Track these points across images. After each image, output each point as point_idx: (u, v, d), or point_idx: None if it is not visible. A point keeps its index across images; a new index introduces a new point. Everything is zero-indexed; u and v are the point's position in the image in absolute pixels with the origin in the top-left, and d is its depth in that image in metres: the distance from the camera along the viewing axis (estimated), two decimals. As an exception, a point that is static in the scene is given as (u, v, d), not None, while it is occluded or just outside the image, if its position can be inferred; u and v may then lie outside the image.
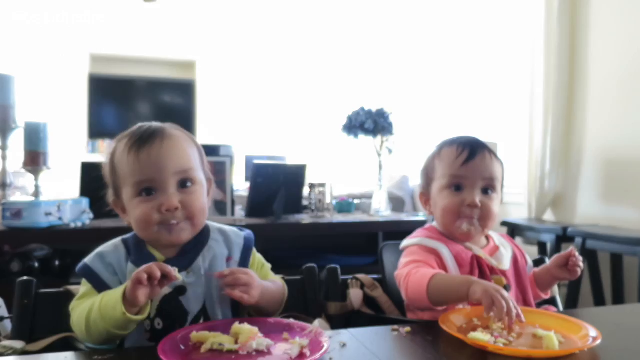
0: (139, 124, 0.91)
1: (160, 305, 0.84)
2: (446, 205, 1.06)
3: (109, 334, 0.79)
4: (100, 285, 0.84)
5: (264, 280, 0.92)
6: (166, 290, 0.85)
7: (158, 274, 0.75)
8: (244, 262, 0.93)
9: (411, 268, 0.99)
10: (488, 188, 1.06)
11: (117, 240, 0.91)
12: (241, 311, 0.92)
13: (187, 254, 0.88)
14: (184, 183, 0.87)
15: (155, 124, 0.90)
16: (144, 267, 0.76)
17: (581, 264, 1.05)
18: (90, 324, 0.79)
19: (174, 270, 0.77)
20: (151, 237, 0.87)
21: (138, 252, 0.88)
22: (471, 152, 1.06)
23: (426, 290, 0.93)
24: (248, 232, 0.97)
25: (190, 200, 0.86)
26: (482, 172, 1.05)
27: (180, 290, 0.86)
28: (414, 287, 0.96)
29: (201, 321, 0.86)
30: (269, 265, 1.00)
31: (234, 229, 0.97)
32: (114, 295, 0.78)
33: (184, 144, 0.89)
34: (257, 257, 0.98)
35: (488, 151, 1.08)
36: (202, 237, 0.91)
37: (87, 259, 0.87)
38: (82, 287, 0.87)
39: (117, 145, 0.90)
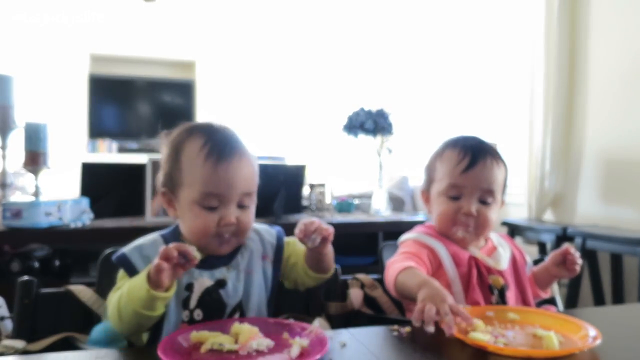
0: (211, 125, 0.91)
1: (201, 296, 0.87)
2: (443, 211, 1.06)
3: (138, 315, 0.79)
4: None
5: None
6: (208, 282, 0.88)
7: (174, 253, 0.76)
8: (278, 260, 0.96)
9: (397, 258, 1.01)
10: (486, 198, 1.05)
11: (156, 235, 0.93)
12: (275, 307, 0.96)
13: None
14: (244, 202, 0.90)
15: (229, 133, 0.91)
16: (161, 251, 0.77)
17: (579, 260, 1.05)
18: (121, 308, 0.80)
19: (192, 250, 0.78)
20: (202, 244, 0.89)
21: None
22: (472, 160, 1.05)
23: (394, 282, 0.95)
24: (278, 230, 1.00)
25: (245, 218, 0.90)
26: (480, 182, 1.04)
27: (221, 283, 0.89)
28: (389, 277, 0.98)
29: (237, 314, 0.89)
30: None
31: (266, 227, 1.00)
32: (140, 276, 0.80)
33: (253, 164, 0.92)
34: (289, 243, 0.99)
35: (490, 157, 1.06)
36: None
37: (126, 250, 0.89)
38: (119, 280, 0.88)
39: (186, 139, 0.89)
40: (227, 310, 0.88)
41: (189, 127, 0.91)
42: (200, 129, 0.90)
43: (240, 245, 0.93)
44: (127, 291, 0.80)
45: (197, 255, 0.78)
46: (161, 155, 0.93)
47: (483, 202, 1.05)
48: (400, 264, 0.97)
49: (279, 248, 0.97)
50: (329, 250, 0.93)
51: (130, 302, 0.79)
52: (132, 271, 0.86)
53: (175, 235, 0.93)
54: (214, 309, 0.87)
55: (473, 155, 1.05)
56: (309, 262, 0.94)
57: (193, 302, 0.87)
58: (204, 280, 0.88)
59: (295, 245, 0.98)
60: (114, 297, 0.83)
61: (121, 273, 0.88)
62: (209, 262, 0.90)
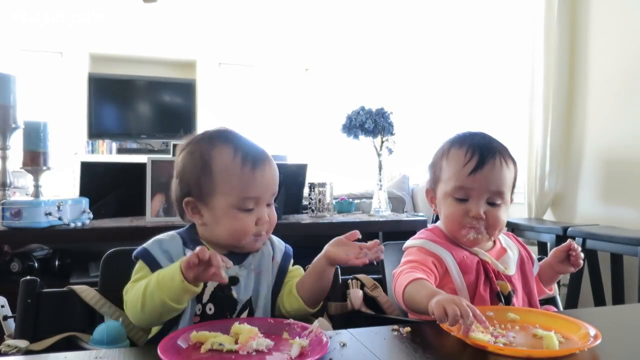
0: (218, 131, 0.96)
1: (213, 292, 0.90)
2: (450, 214, 1.03)
3: (164, 306, 0.81)
4: (156, 268, 0.88)
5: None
6: None
7: (206, 256, 0.77)
8: (284, 264, 1.00)
9: (404, 268, 0.98)
10: (495, 199, 1.01)
11: (173, 232, 0.96)
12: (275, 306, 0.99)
13: (238, 252, 0.96)
14: (270, 201, 0.97)
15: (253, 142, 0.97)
16: (198, 250, 0.78)
17: (582, 254, 1.05)
18: (146, 297, 0.82)
19: (224, 266, 0.79)
20: (239, 244, 0.94)
21: (195, 244, 0.92)
22: (480, 161, 0.99)
23: (402, 295, 0.92)
24: (288, 246, 1.04)
25: (273, 214, 0.97)
26: (489, 184, 0.99)
27: (233, 280, 0.92)
28: (397, 289, 0.95)
29: (247, 311, 0.92)
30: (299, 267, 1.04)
31: (277, 237, 1.05)
32: (172, 267, 0.82)
33: (276, 168, 0.99)
34: (291, 271, 1.02)
35: (500, 156, 1.01)
36: None
37: (146, 244, 0.93)
38: (137, 272, 0.90)
39: (214, 149, 0.93)
40: (238, 306, 0.92)
41: (211, 137, 0.95)
42: (228, 139, 0.94)
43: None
44: (156, 280, 0.82)
45: (224, 276, 0.80)
46: (178, 167, 0.96)
47: (491, 204, 1.01)
48: (408, 274, 0.93)
49: (286, 255, 1.01)
50: (330, 275, 0.95)
51: (159, 291, 0.81)
52: (152, 263, 0.89)
53: (191, 235, 0.96)
54: (226, 305, 0.90)
55: (481, 156, 1.00)
56: (305, 286, 0.95)
57: (206, 297, 0.89)
58: None
59: (298, 272, 1.01)
60: (138, 287, 0.85)
61: (139, 265, 0.90)
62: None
